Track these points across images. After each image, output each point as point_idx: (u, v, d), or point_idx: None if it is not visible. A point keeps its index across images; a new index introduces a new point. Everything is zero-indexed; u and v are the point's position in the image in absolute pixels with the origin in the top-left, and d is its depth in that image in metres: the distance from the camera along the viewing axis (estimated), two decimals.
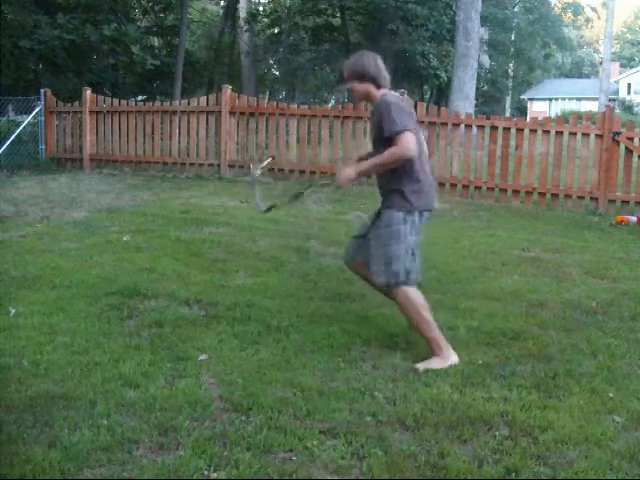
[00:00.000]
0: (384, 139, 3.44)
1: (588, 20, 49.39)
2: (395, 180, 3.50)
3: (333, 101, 35.01)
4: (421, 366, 3.41)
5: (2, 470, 2.39)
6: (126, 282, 4.60)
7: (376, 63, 3.63)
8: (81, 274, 4.85)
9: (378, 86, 3.59)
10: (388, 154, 3.39)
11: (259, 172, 4.53)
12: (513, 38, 35.21)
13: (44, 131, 11.79)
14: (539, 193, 8.84)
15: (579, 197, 8.67)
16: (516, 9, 35.42)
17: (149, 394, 2.97)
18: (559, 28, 38.53)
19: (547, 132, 8.87)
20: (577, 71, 59.96)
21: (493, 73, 35.79)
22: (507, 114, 36.71)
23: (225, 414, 2.84)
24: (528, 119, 19.54)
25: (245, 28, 26.40)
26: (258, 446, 2.58)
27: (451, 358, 3.46)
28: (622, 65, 54.42)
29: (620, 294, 4.79)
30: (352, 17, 27.96)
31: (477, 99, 21.22)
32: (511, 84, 40.84)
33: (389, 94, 3.57)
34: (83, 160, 11.54)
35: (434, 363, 3.43)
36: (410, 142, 3.38)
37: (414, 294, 3.50)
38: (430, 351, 3.49)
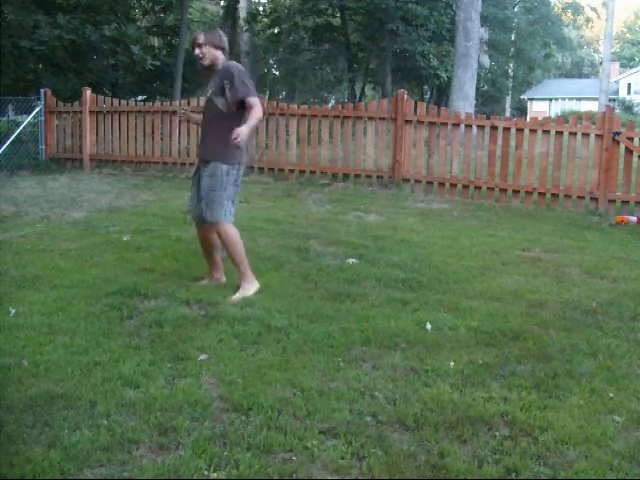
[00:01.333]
0: (235, 100, 4.27)
1: (588, 20, 49.50)
2: (226, 135, 4.13)
3: (333, 101, 35.06)
4: (236, 297, 4.32)
5: (2, 470, 2.39)
6: (126, 282, 4.60)
7: (226, 39, 4.55)
8: (81, 274, 4.85)
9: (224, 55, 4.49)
10: (256, 115, 4.19)
11: None
12: (513, 38, 35.22)
13: (44, 131, 11.78)
14: (539, 193, 8.83)
15: (579, 197, 8.66)
16: (516, 9, 35.44)
17: (149, 394, 2.97)
18: (559, 28, 38.57)
19: (547, 132, 8.86)
20: (577, 71, 60.00)
21: (493, 73, 35.81)
22: (507, 114, 36.71)
23: (225, 414, 2.84)
24: (528, 119, 19.54)
25: (245, 28, 26.42)
26: (258, 446, 2.58)
27: (255, 284, 4.46)
28: (622, 65, 54.42)
29: (620, 294, 4.79)
30: (352, 17, 27.98)
31: (477, 99, 21.22)
32: (511, 84, 40.84)
33: (236, 63, 4.48)
34: (83, 160, 11.53)
35: (244, 290, 4.40)
36: (262, 106, 4.33)
37: (233, 232, 4.45)
38: (240, 280, 4.46)
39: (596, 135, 8.53)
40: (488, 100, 38.84)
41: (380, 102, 10.41)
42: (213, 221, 4.40)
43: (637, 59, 58.28)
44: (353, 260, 5.40)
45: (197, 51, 4.42)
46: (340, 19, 28.34)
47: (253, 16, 27.23)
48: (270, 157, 10.47)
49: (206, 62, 4.42)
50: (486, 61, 29.97)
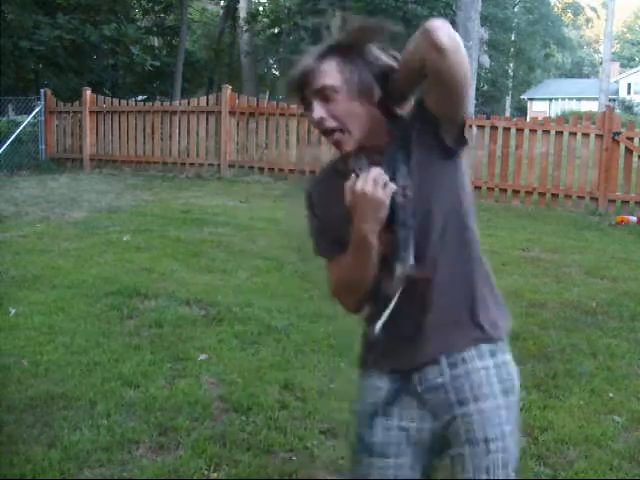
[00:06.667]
0: None
1: (588, 20, 49.50)
2: None
3: None
4: None
5: (2, 470, 2.39)
6: (126, 282, 4.60)
7: None
8: (81, 274, 4.85)
9: None
10: None
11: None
12: (513, 38, 35.23)
13: (44, 131, 11.78)
14: (539, 193, 8.83)
15: (579, 197, 8.66)
16: (516, 9, 35.46)
17: (149, 394, 2.97)
18: (559, 28, 38.60)
19: (547, 132, 8.86)
20: (577, 71, 59.96)
21: (493, 73, 35.79)
22: (507, 114, 36.68)
23: (225, 414, 2.84)
24: (528, 119, 19.53)
25: (245, 28, 26.40)
26: (258, 446, 2.58)
27: None
28: (622, 65, 54.39)
29: (620, 294, 4.79)
30: None
31: (477, 99, 21.22)
32: (511, 84, 40.84)
33: None
34: (83, 160, 11.53)
35: None
36: None
37: None
38: None
39: (596, 135, 8.53)
40: (488, 100, 38.80)
41: None
42: None
43: (637, 59, 58.29)
44: None
45: None
46: None
47: (253, 16, 27.20)
48: (270, 157, 10.47)
49: None
50: (486, 61, 29.93)
